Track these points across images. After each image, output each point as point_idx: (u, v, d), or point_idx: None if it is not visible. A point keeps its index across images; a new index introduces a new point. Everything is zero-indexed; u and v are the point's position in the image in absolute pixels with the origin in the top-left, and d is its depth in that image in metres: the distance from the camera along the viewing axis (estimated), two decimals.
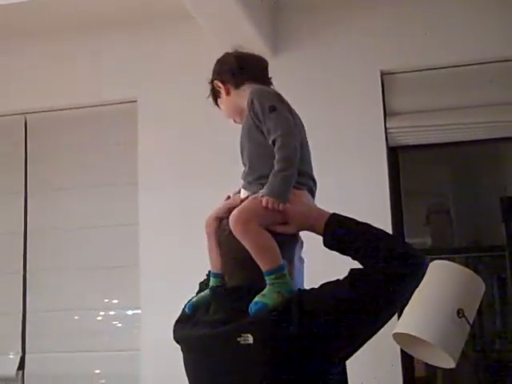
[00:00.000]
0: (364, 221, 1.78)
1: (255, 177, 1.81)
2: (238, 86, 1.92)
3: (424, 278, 2.76)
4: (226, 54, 2.04)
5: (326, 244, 1.72)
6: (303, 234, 1.84)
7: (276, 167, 1.72)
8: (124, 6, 3.60)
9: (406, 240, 3.51)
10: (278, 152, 1.73)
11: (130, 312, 3.65)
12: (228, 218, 1.71)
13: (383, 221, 3.35)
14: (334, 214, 1.77)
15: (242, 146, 1.88)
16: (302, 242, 1.85)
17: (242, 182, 1.89)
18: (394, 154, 3.55)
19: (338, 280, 1.67)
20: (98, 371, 3.64)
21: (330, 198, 3.39)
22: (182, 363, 1.80)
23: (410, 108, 3.48)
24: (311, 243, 1.86)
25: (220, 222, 1.80)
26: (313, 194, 1.93)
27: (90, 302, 3.68)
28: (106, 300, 3.68)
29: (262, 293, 1.61)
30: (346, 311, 1.60)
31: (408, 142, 3.50)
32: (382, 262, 1.63)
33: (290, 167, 1.73)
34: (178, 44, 3.70)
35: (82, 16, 3.73)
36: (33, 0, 3.50)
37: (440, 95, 3.46)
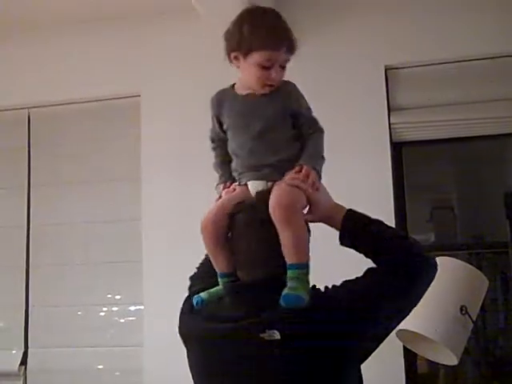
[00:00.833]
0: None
1: (283, 157, 1.71)
2: (246, 55, 1.72)
3: None
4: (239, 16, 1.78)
5: (342, 240, 1.72)
6: None
7: (314, 147, 1.76)
8: None
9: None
10: (317, 140, 1.79)
11: (132, 308, 3.65)
12: (238, 212, 1.67)
13: (387, 216, 3.31)
14: (350, 209, 1.76)
15: (261, 129, 1.71)
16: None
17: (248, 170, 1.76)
18: (398, 149, 3.54)
19: (357, 278, 1.67)
20: (100, 366, 3.64)
21: (333, 194, 3.39)
22: (186, 358, 1.77)
23: (414, 103, 3.46)
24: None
25: (231, 218, 1.71)
26: None
27: (93, 298, 3.67)
28: (109, 295, 3.67)
29: (291, 286, 1.55)
30: (365, 309, 1.58)
31: (412, 137, 3.49)
32: (397, 261, 1.62)
33: (323, 155, 1.81)
34: (181, 38, 3.69)
35: (86, 9, 3.72)
36: None
37: (444, 90, 3.45)
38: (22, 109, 3.95)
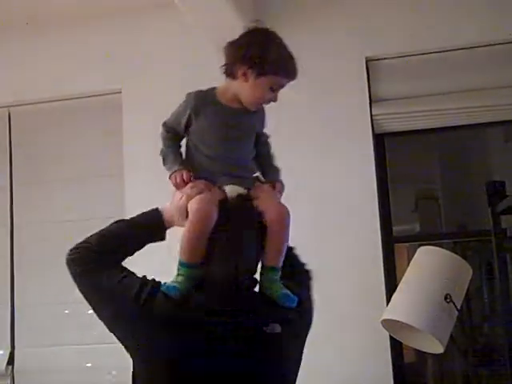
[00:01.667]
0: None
1: (250, 174, 1.86)
2: (259, 75, 1.75)
3: (412, 264, 2.79)
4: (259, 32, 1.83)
5: None
6: None
7: (273, 161, 1.94)
8: None
9: (395, 227, 3.52)
10: (273, 158, 1.96)
11: None
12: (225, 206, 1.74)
13: (370, 208, 3.36)
14: None
15: (238, 140, 1.82)
16: None
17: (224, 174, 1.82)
18: (381, 140, 3.55)
19: None
20: (89, 365, 3.63)
21: (316, 186, 3.41)
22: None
23: (396, 94, 3.48)
24: None
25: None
26: None
27: (80, 296, 3.65)
28: None
29: (282, 287, 1.73)
30: None
31: (394, 128, 3.50)
32: None
33: None
34: (161, 34, 3.68)
35: (65, 7, 3.69)
36: None
37: (425, 81, 3.46)
38: (2, 108, 3.92)
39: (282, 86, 1.81)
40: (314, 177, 3.42)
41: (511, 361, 2.85)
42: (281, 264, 1.77)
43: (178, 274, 1.71)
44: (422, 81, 3.46)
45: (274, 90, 1.79)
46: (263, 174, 1.91)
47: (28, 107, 3.88)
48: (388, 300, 2.97)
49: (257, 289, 1.77)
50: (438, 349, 2.63)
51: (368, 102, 3.45)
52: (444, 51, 3.43)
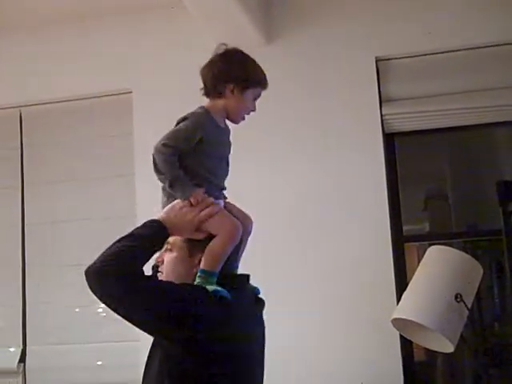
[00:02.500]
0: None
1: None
2: (244, 89, 1.95)
3: (422, 263, 2.79)
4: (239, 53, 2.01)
5: None
6: None
7: None
8: None
9: (405, 227, 3.52)
10: None
11: None
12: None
13: (380, 207, 3.36)
14: None
15: (227, 157, 2.02)
16: None
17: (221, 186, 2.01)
18: (391, 140, 3.55)
19: None
20: (99, 362, 3.65)
21: (326, 187, 3.42)
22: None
23: (406, 94, 3.47)
24: None
25: None
26: None
27: (90, 295, 3.66)
28: None
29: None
30: None
31: (404, 128, 3.51)
32: None
33: None
34: (172, 34, 3.69)
35: (76, 8, 3.72)
36: None
37: (435, 81, 3.46)
38: (13, 108, 3.95)
39: (260, 96, 2.00)
40: (325, 177, 3.43)
41: None
42: None
43: (210, 283, 1.81)
44: (431, 81, 3.46)
45: (255, 99, 1.99)
46: None
47: (39, 107, 3.90)
48: (398, 299, 2.97)
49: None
50: (448, 348, 2.63)
51: (378, 101, 3.45)
52: (453, 51, 3.43)
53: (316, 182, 3.42)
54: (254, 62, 1.99)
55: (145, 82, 3.72)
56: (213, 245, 1.85)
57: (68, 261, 3.74)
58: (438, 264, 2.74)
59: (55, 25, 3.82)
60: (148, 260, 1.82)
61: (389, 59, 3.50)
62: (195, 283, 1.81)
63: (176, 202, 1.88)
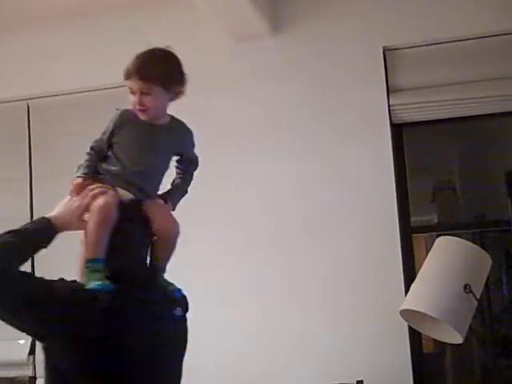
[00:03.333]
0: None
1: (156, 187, 2.02)
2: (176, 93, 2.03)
3: (430, 254, 2.78)
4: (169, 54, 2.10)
5: None
6: None
7: (182, 183, 2.10)
8: None
9: (413, 218, 3.52)
10: (187, 180, 2.12)
11: None
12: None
13: (388, 198, 3.35)
14: None
15: (156, 157, 1.99)
16: None
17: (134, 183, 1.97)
18: (398, 130, 3.54)
19: None
20: None
21: (334, 177, 3.41)
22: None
23: (414, 84, 3.46)
24: None
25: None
26: None
27: None
28: None
29: (167, 282, 1.99)
30: None
31: (412, 118, 3.49)
32: None
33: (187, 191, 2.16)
34: (177, 25, 3.68)
35: (85, 0, 3.71)
36: None
37: (443, 70, 3.44)
38: (21, 100, 3.94)
39: (133, 88, 1.99)
40: (332, 167, 3.42)
41: None
42: (166, 265, 2.00)
43: (93, 271, 1.87)
44: (439, 70, 3.44)
45: (131, 92, 2.00)
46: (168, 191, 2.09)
47: (47, 100, 3.90)
48: (406, 290, 2.96)
49: None
50: (457, 339, 2.62)
51: (386, 91, 3.43)
52: (462, 40, 3.41)
53: (323, 173, 3.41)
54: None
55: None
56: (85, 230, 1.90)
57: (76, 254, 3.73)
58: (446, 255, 2.73)
59: (64, 17, 3.81)
60: (29, 256, 1.90)
61: (396, 49, 3.49)
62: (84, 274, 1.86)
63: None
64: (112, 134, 2.05)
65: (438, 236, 2.89)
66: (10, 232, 1.84)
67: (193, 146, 2.13)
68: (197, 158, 2.15)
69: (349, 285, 3.31)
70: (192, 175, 2.14)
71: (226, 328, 3.37)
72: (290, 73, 3.41)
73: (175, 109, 2.01)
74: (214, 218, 3.49)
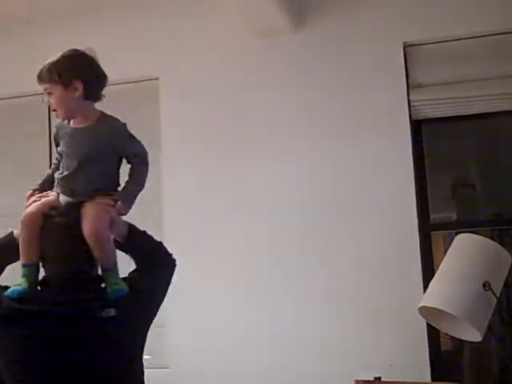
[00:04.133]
0: None
1: (98, 188, 2.05)
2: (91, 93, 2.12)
3: (450, 251, 2.77)
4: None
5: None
6: None
7: (131, 182, 2.13)
8: None
9: (432, 215, 3.50)
10: (139, 176, 2.15)
11: None
12: (50, 215, 2.00)
13: (407, 195, 3.34)
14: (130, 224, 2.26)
15: (83, 160, 2.02)
16: None
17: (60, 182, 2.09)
18: (418, 126, 3.52)
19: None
20: None
21: (353, 173, 3.40)
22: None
23: (434, 80, 3.45)
24: None
25: (44, 217, 2.02)
26: None
27: None
28: None
29: (112, 282, 2.00)
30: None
31: (432, 114, 3.48)
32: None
33: (142, 186, 2.20)
34: (198, 21, 3.69)
35: None
36: None
37: (464, 66, 3.42)
38: (40, 94, 3.95)
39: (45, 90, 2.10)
40: (351, 163, 3.41)
41: None
42: (110, 265, 2.04)
43: (22, 276, 1.98)
44: (460, 66, 3.43)
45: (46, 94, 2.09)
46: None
47: None
48: (425, 287, 2.95)
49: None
50: (476, 337, 2.61)
51: (406, 87, 3.42)
52: (483, 36, 3.38)
53: (342, 169, 3.40)
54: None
55: (171, 68, 3.72)
56: None
57: None
58: (465, 252, 2.72)
59: (81, 11, 3.83)
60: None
61: (417, 45, 3.47)
62: None
63: None
64: (56, 145, 2.16)
65: (457, 233, 2.87)
66: None
67: (130, 139, 2.12)
68: (140, 151, 2.15)
69: (368, 281, 3.30)
70: (140, 169, 2.15)
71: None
72: (310, 69, 3.39)
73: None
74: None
